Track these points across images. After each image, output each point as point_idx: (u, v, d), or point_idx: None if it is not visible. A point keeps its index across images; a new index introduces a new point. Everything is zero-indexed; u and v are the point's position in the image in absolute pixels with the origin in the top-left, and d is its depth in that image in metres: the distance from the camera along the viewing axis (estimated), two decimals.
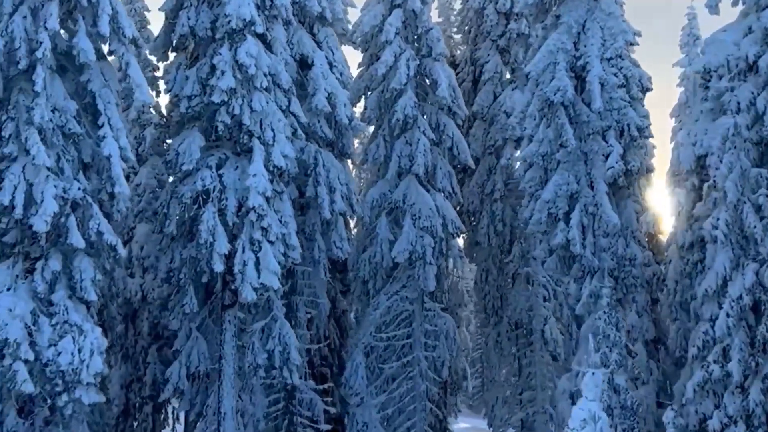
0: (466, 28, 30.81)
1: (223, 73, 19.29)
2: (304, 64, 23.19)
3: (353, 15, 27.24)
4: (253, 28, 19.68)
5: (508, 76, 28.70)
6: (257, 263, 19.10)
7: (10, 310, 16.58)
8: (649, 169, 21.78)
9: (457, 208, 26.76)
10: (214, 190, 19.50)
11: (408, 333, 24.84)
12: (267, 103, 19.78)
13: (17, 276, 17.09)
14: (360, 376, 24.07)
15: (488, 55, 28.41)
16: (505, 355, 28.30)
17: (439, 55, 25.70)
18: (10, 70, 17.25)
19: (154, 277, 25.58)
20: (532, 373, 27.09)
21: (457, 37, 32.84)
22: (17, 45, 16.87)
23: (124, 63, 17.71)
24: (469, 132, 28.26)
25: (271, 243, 19.25)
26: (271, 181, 19.56)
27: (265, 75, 19.75)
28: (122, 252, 17.42)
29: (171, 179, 20.61)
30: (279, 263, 19.31)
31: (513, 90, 27.86)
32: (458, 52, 30.83)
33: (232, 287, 19.62)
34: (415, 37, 26.22)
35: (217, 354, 20.21)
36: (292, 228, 19.92)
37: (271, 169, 19.68)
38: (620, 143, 20.82)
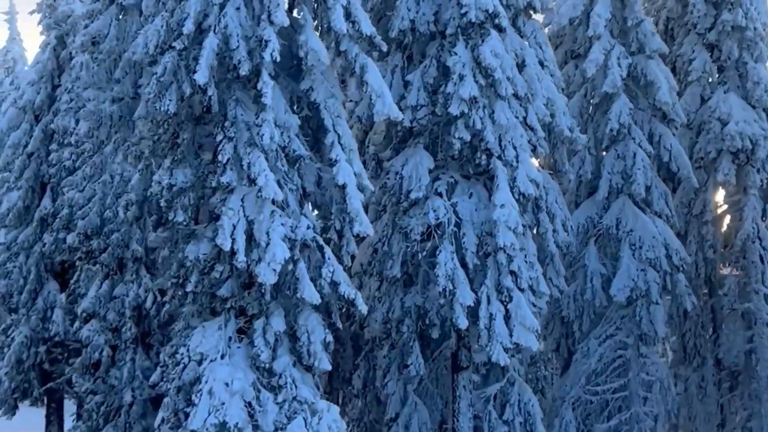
0: (652, 18, 26.71)
1: (461, 77, 15.35)
2: None
3: None
4: (496, 21, 15.79)
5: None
6: (507, 317, 15.23)
7: (227, 385, 12.91)
8: None
9: None
10: (449, 224, 15.58)
11: (623, 384, 20.92)
12: (510, 114, 15.89)
13: (230, 338, 13.39)
14: None
15: (693, 51, 24.15)
16: (710, 402, 24.26)
17: (654, 52, 21.71)
18: (220, 76, 13.54)
19: None
20: (753, 428, 23.00)
21: None
22: (234, 45, 13.06)
23: (358, 66, 13.80)
24: None
25: (522, 291, 15.37)
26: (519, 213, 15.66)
27: (508, 80, 15.85)
28: (363, 308, 13.57)
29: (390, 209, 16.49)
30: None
31: (726, 93, 23.73)
32: None
33: (474, 346, 15.73)
34: (620, 30, 22.30)
35: (444, 426, 16.34)
36: (539, 271, 15.99)
37: (516, 197, 15.79)
38: None
